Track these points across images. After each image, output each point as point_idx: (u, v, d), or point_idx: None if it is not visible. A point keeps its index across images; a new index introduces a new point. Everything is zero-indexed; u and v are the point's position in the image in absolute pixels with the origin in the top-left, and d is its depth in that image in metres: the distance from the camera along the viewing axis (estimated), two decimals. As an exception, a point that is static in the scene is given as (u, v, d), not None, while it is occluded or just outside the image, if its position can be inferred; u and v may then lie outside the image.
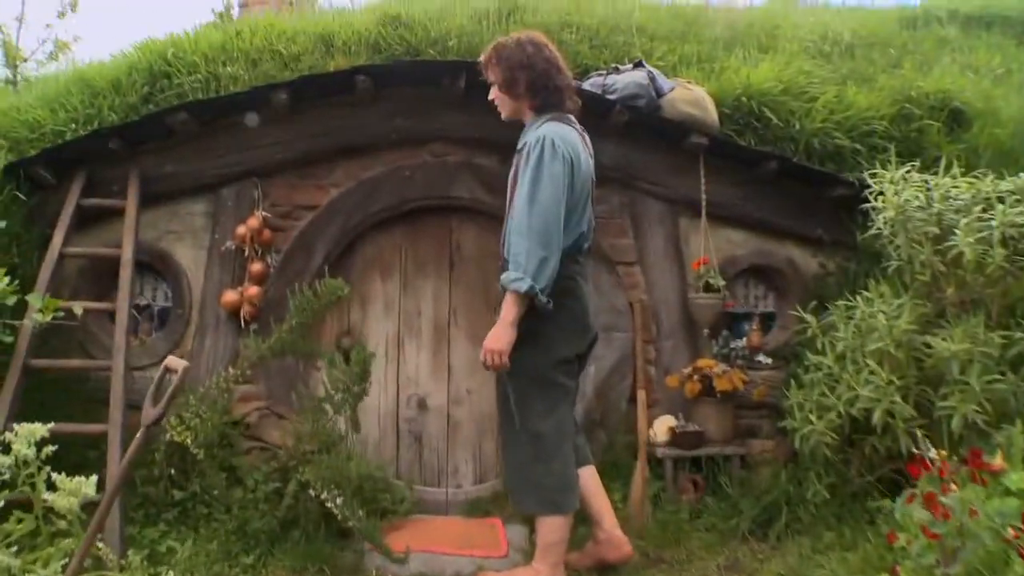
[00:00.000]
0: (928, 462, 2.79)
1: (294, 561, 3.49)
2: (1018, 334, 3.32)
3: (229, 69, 4.52)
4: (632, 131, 4.32)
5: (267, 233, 4.37)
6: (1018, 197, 3.38)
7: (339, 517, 3.36)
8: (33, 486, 2.73)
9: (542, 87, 3.21)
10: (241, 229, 4.33)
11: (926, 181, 3.66)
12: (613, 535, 3.38)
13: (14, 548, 2.70)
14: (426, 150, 4.53)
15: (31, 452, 2.74)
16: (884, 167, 3.87)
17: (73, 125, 4.42)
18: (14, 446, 2.72)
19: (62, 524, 2.75)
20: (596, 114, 4.03)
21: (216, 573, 3.41)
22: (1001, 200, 3.38)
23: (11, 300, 3.57)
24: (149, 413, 2.70)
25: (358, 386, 3.36)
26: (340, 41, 4.59)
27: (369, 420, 4.46)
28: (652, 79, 4.25)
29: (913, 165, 3.80)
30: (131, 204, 4.25)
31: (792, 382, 3.87)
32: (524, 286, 2.91)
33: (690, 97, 4.26)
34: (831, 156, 4.45)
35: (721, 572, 3.54)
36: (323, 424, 3.43)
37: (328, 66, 4.52)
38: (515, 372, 3.07)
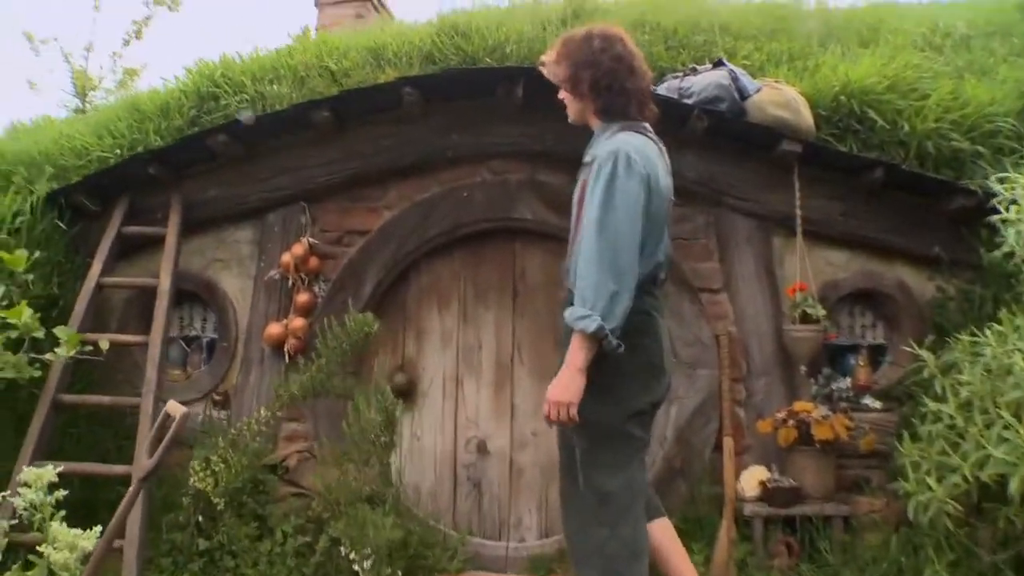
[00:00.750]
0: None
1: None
2: None
3: (276, 88, 4.26)
4: (714, 139, 3.90)
5: (313, 261, 4.11)
6: None
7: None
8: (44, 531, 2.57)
9: (606, 88, 2.76)
10: (286, 257, 4.08)
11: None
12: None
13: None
14: (484, 167, 4.19)
15: (37, 496, 2.55)
16: (1014, 171, 3.34)
17: (118, 151, 4.27)
18: (21, 490, 2.56)
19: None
20: (672, 121, 3.59)
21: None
22: None
23: (39, 333, 3.38)
24: (143, 464, 2.43)
25: (385, 436, 2.96)
26: (391, 53, 4.27)
27: (424, 464, 4.13)
28: (734, 79, 3.78)
29: (1050, 168, 3.23)
30: (172, 231, 4.05)
31: (905, 433, 3.26)
32: (592, 326, 2.47)
33: (780, 98, 3.76)
34: (947, 161, 3.92)
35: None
36: (350, 476, 3.04)
37: (379, 80, 4.20)
38: (581, 425, 2.62)
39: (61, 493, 2.58)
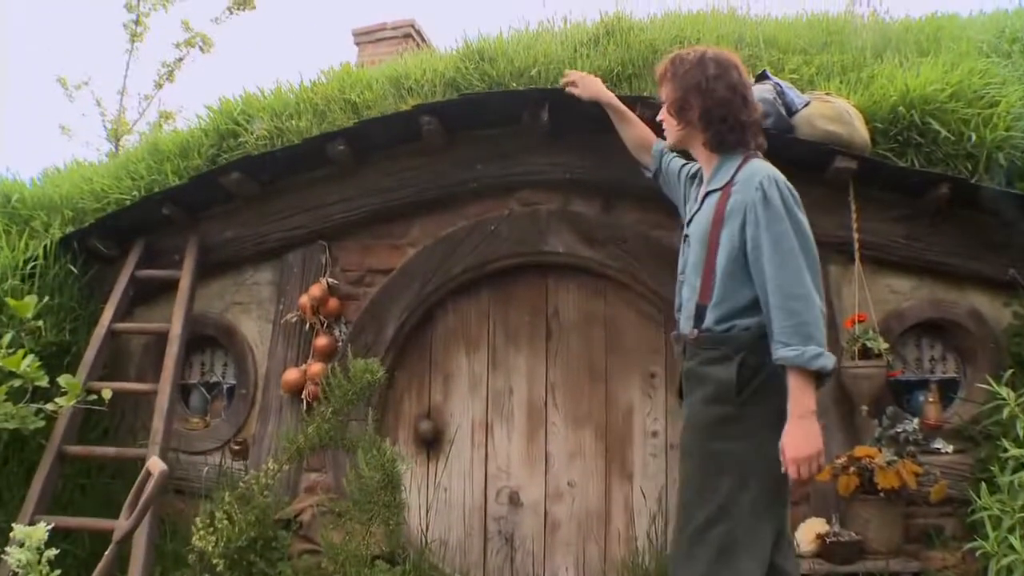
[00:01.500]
0: None
1: None
2: None
3: (295, 123, 4.08)
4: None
5: (333, 302, 3.91)
6: None
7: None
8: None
9: (719, 119, 2.51)
10: (303, 299, 3.89)
11: None
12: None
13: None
14: (513, 199, 3.94)
15: (24, 556, 2.36)
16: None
17: (135, 193, 4.14)
18: (9, 549, 2.38)
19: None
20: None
21: None
22: None
23: (43, 381, 3.22)
24: (121, 525, 2.20)
25: (387, 496, 2.68)
26: (412, 82, 4.06)
27: (451, 517, 3.85)
28: (780, 93, 3.47)
29: None
30: (186, 274, 3.90)
31: (983, 483, 2.86)
32: (829, 363, 2.21)
33: (830, 112, 3.44)
34: (1021, 174, 3.55)
35: None
36: (357, 536, 2.76)
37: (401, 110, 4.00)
38: (747, 475, 2.29)
39: (51, 552, 2.34)
